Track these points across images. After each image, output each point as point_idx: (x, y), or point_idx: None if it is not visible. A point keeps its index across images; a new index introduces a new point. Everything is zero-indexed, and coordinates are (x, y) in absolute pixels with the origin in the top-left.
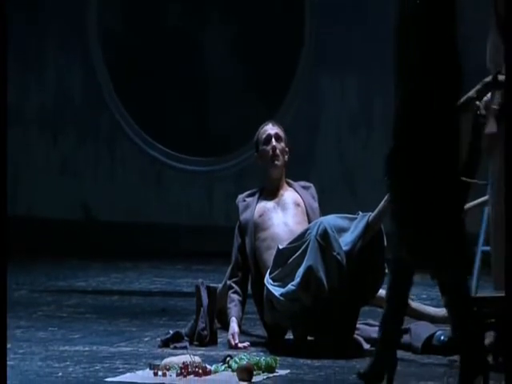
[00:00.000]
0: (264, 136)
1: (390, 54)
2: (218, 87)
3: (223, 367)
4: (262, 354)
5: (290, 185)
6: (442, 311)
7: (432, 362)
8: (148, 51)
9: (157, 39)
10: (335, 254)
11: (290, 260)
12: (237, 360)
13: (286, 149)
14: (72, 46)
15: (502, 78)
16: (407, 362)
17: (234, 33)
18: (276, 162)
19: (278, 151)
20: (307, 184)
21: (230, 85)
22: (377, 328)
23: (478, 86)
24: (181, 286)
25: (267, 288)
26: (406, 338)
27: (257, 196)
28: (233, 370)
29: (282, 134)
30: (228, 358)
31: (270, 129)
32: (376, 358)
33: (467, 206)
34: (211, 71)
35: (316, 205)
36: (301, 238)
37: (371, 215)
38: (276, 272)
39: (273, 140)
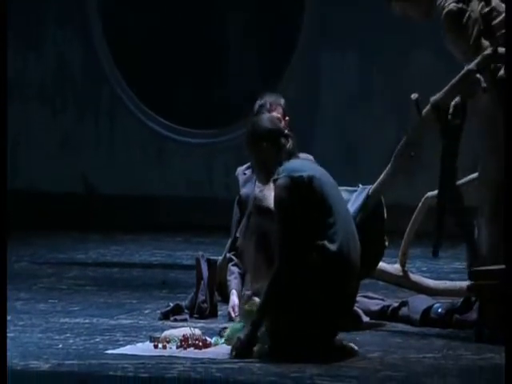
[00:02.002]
0: None
1: (391, 29)
2: (218, 60)
3: (223, 340)
4: None
5: None
6: (441, 284)
7: (431, 334)
8: (148, 25)
9: (156, 12)
10: None
11: None
12: (232, 327)
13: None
14: (71, 20)
15: (501, 50)
16: (406, 334)
17: (235, 6)
18: None
19: None
20: (308, 157)
21: (231, 57)
22: (376, 301)
23: (478, 59)
24: (181, 258)
25: None
26: (404, 310)
27: None
28: (227, 339)
29: (282, 105)
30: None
31: (270, 104)
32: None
33: (462, 180)
34: (211, 44)
35: None
36: None
37: (371, 187)
38: None
39: None
